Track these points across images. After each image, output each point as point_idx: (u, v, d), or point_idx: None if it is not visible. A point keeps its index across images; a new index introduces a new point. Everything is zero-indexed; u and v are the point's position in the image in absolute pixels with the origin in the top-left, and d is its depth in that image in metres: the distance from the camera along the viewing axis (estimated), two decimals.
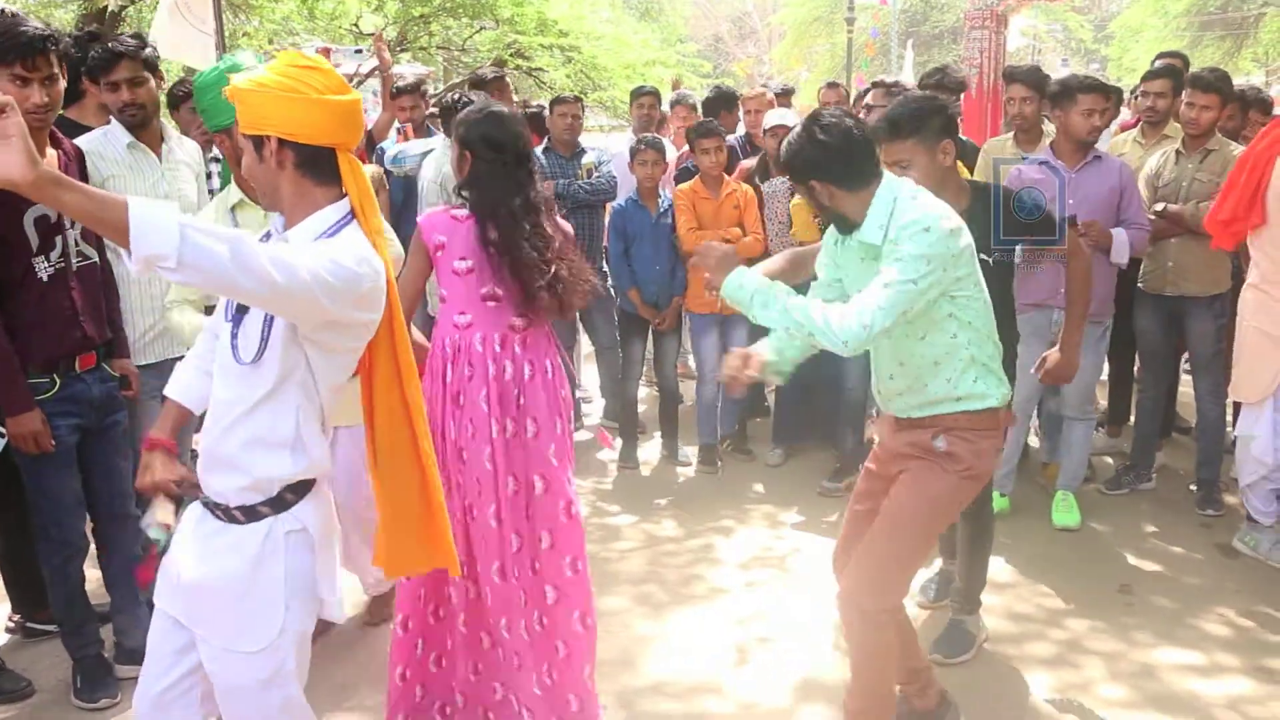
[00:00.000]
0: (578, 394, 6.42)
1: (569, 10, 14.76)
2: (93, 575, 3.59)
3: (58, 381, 3.23)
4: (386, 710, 3.25)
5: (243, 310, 2.18)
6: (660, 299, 5.58)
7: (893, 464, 3.02)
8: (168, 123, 4.28)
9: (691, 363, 6.36)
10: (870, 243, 2.78)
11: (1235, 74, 15.55)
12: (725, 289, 2.78)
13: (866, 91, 6.14)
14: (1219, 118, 4.83)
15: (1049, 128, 5.10)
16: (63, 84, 3.17)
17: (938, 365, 2.87)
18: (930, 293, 2.70)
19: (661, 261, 5.53)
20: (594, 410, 6.78)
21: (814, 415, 5.74)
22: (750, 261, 4.96)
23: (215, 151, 4.66)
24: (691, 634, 3.93)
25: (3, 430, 3.33)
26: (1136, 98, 6.27)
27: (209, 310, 3.27)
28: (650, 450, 5.97)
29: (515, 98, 5.87)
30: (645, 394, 6.69)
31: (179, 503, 2.39)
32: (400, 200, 5.68)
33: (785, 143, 2.90)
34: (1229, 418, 5.21)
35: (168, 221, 1.80)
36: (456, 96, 5.07)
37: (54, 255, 3.21)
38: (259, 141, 2.16)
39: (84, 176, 3.37)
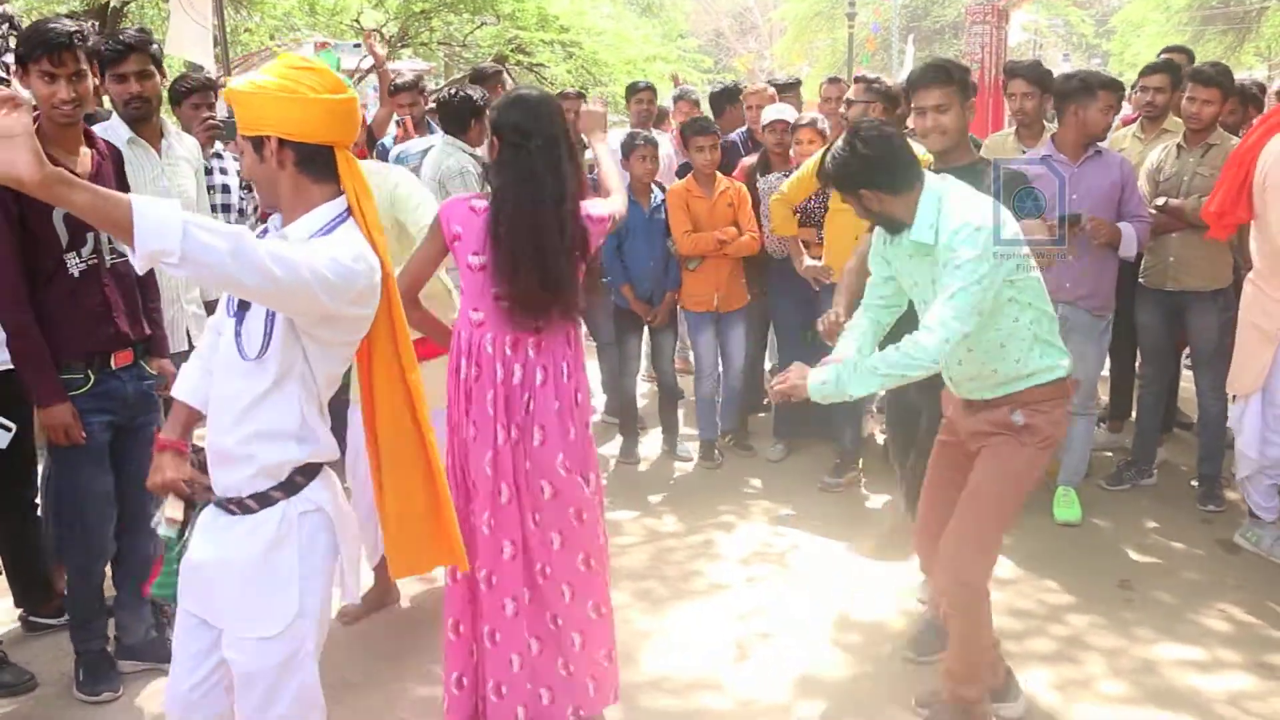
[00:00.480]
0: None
1: (570, 6, 14.76)
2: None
3: (92, 377, 3.24)
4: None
5: (244, 307, 2.22)
6: (654, 294, 5.57)
7: (971, 442, 3.16)
8: (168, 119, 4.27)
9: (691, 358, 6.35)
10: (922, 241, 2.93)
11: (1237, 68, 15.53)
12: (815, 395, 2.97)
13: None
14: (1220, 112, 4.82)
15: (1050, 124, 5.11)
16: (91, 81, 3.17)
17: (1004, 348, 3.00)
18: (994, 287, 2.86)
19: (655, 257, 5.52)
20: (596, 405, 6.78)
21: (814, 410, 5.72)
22: (751, 262, 4.96)
23: (216, 148, 4.66)
24: (691, 629, 3.93)
25: (10, 425, 3.35)
26: (1136, 93, 6.26)
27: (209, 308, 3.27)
28: (650, 445, 5.97)
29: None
30: (645, 389, 6.69)
31: (190, 504, 2.41)
32: None
33: (830, 157, 3.04)
34: (1230, 413, 5.20)
35: (170, 218, 1.84)
36: (454, 91, 5.05)
37: (85, 252, 3.22)
38: (258, 142, 2.19)
39: (120, 174, 3.38)
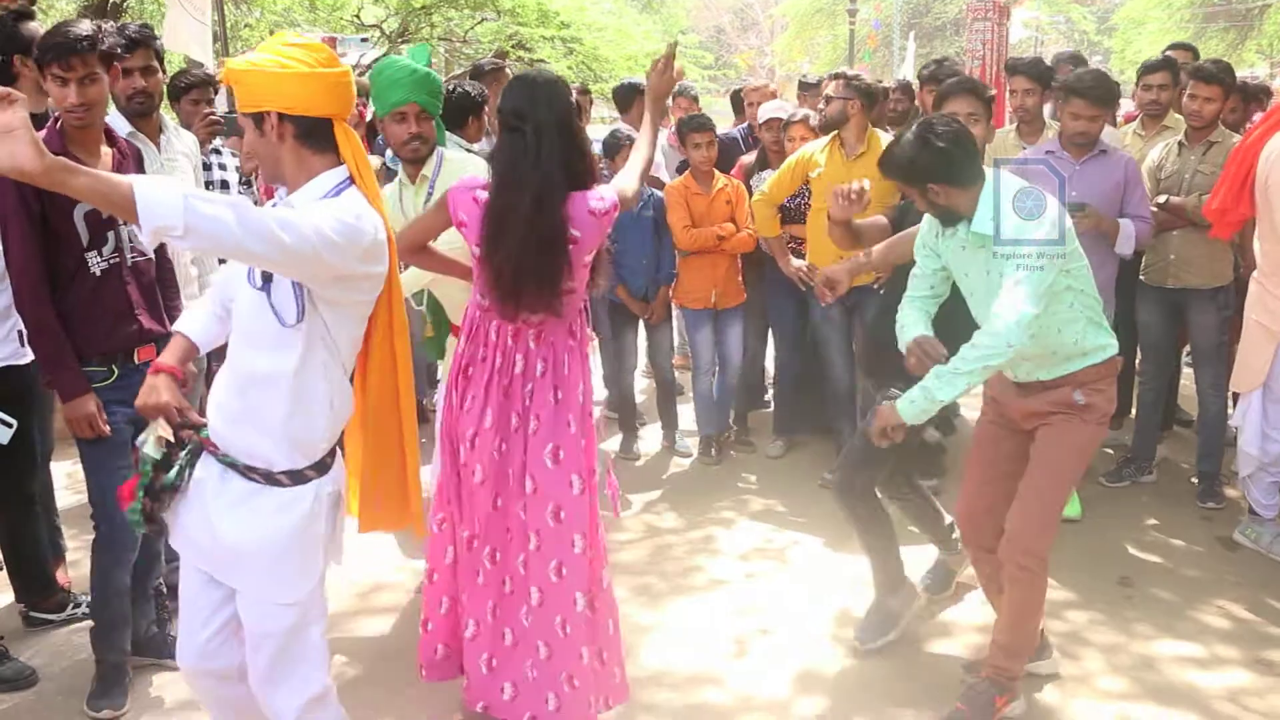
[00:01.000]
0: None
1: (570, 1, 14.73)
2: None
3: (115, 371, 3.26)
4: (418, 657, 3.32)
5: (268, 278, 2.29)
6: (648, 291, 5.57)
7: (1026, 422, 3.28)
8: (167, 114, 4.28)
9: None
10: (982, 233, 3.05)
11: (1239, 66, 15.51)
12: (909, 417, 3.07)
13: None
14: (1222, 110, 4.82)
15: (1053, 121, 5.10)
16: (105, 84, 3.19)
17: (1061, 332, 3.13)
18: (1055, 271, 3.00)
19: (645, 254, 5.52)
20: (598, 399, 6.78)
21: (813, 406, 5.75)
22: (749, 259, 4.94)
23: (215, 143, 4.66)
24: (690, 625, 3.94)
25: (11, 421, 3.36)
26: (1139, 90, 6.25)
27: None
28: (650, 441, 5.97)
29: None
30: (644, 385, 6.69)
31: (177, 429, 2.46)
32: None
33: (899, 151, 3.11)
34: (1230, 410, 5.21)
35: (170, 194, 1.95)
36: (452, 88, 5.05)
37: (107, 250, 3.23)
38: (259, 118, 2.28)
39: (140, 171, 3.40)
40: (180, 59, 9.34)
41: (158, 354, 3.30)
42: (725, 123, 7.54)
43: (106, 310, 3.24)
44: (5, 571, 3.95)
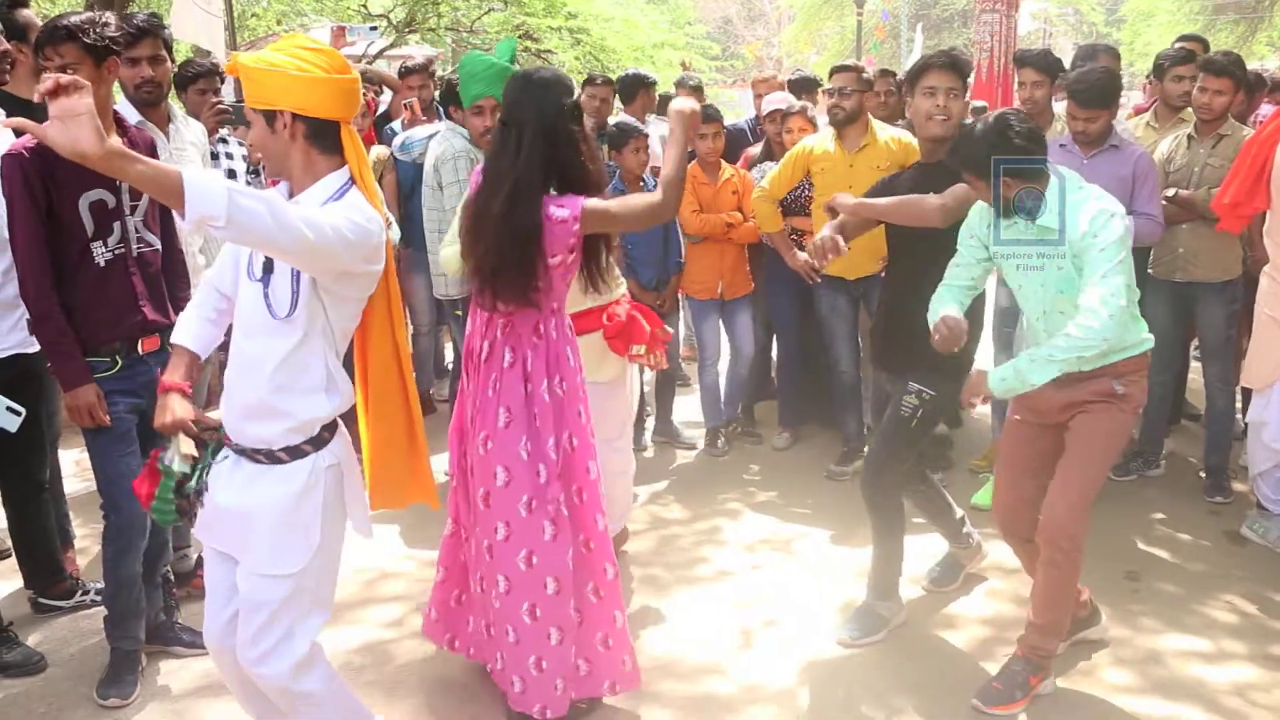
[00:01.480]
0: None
1: None
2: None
3: (119, 361, 3.27)
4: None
5: (269, 270, 2.44)
6: (657, 281, 5.56)
7: (1061, 414, 3.32)
8: (174, 104, 4.28)
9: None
10: (1048, 226, 3.15)
11: (1249, 58, 15.40)
12: (997, 389, 3.18)
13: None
14: (1232, 103, 4.80)
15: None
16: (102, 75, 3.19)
17: (1121, 331, 3.13)
18: (1130, 264, 3.09)
19: (653, 245, 5.51)
20: None
21: (818, 398, 5.74)
22: (755, 250, 4.90)
23: (221, 132, 4.66)
24: (696, 616, 3.94)
25: (20, 409, 3.37)
26: (1150, 82, 6.21)
27: None
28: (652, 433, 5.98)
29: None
30: (649, 376, 6.67)
31: (202, 444, 2.59)
32: (410, 185, 5.66)
33: (976, 141, 3.12)
34: (1239, 405, 5.20)
35: (216, 186, 2.07)
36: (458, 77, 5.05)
37: (112, 241, 3.24)
38: (271, 115, 2.40)
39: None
40: (188, 48, 9.35)
41: (162, 345, 3.36)
42: (733, 114, 7.52)
43: (111, 300, 3.25)
44: (14, 558, 3.96)
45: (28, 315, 3.31)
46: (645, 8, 18.03)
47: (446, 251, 3.72)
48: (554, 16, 14.29)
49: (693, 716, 3.33)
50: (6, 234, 3.23)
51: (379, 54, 14.40)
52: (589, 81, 6.02)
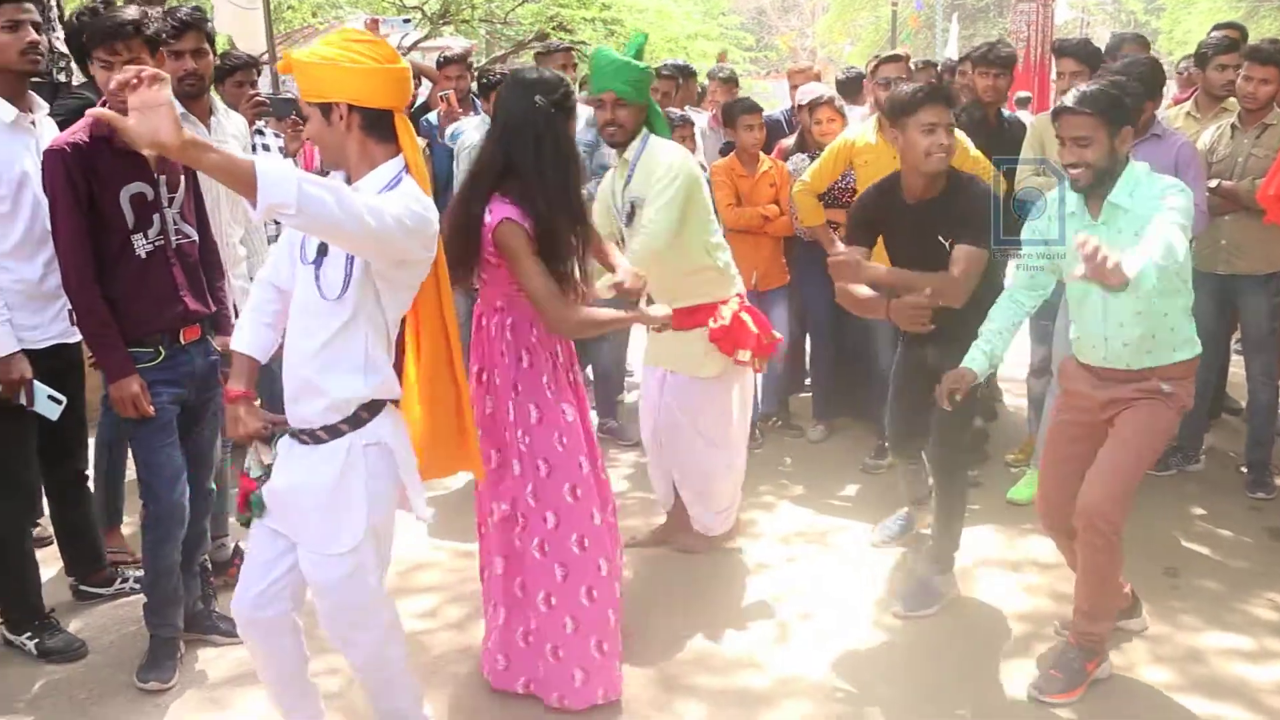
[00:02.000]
0: (626, 378, 6.45)
1: None
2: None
3: (161, 352, 3.30)
4: None
5: (322, 254, 2.51)
6: None
7: (1107, 410, 3.32)
8: (215, 96, 4.31)
9: None
10: (1118, 205, 3.18)
11: None
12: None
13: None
14: (1278, 91, 4.71)
15: None
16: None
17: (1167, 316, 3.23)
18: (1187, 239, 3.04)
19: None
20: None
21: (853, 390, 5.71)
22: (790, 242, 4.89)
23: (258, 124, 4.70)
24: (732, 608, 3.93)
25: (61, 398, 3.41)
26: (1185, 72, 6.12)
27: None
28: None
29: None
30: None
31: (270, 442, 2.69)
32: (446, 176, 5.67)
33: (1115, 87, 3.20)
34: None
35: (288, 176, 2.13)
36: (497, 74, 5.08)
37: (152, 233, 3.27)
38: (326, 108, 2.46)
39: None
40: (224, 41, 9.42)
41: (202, 334, 3.39)
42: (768, 105, 7.47)
43: (152, 292, 3.27)
44: (56, 545, 4.01)
45: (69, 306, 3.35)
46: None
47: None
48: (588, 7, 14.31)
49: (728, 710, 3.32)
50: (47, 227, 3.26)
51: (413, 46, 14.45)
52: (657, 73, 6.05)
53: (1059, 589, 4.01)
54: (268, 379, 3.65)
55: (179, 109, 3.75)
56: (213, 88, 4.48)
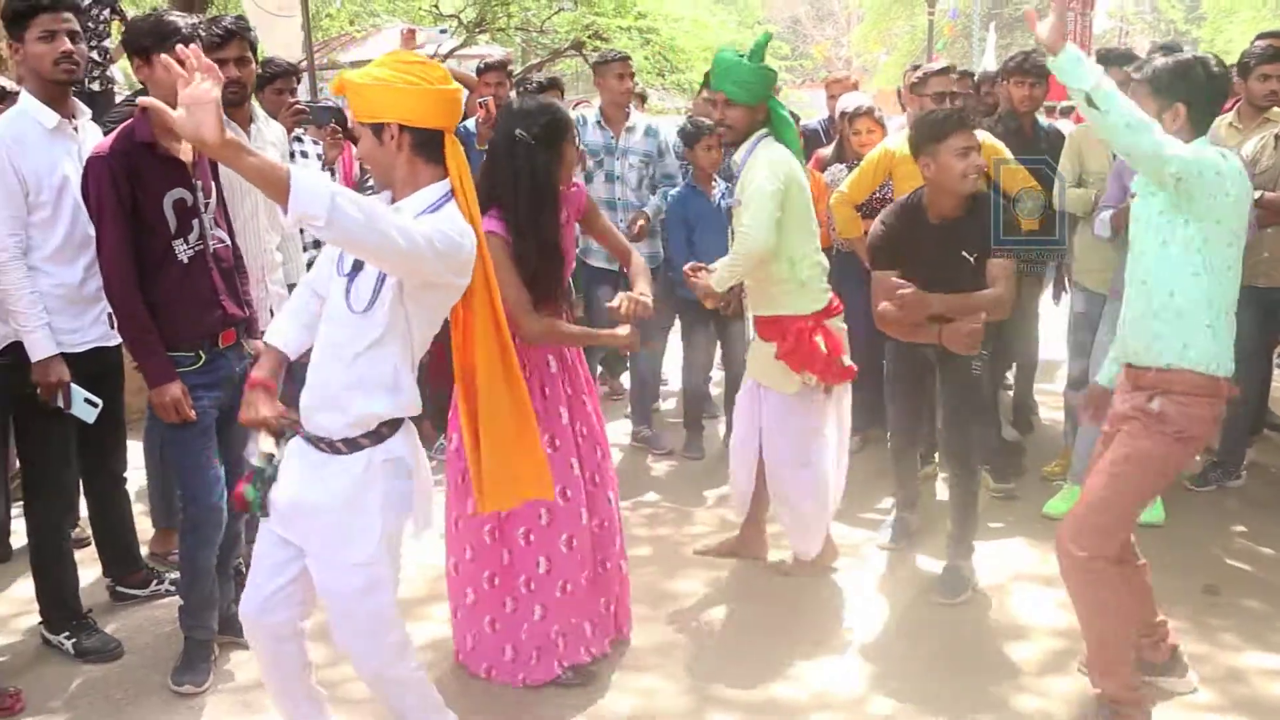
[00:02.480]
0: (662, 387, 6.46)
1: None
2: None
3: (202, 357, 3.33)
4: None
5: (357, 268, 2.53)
6: None
7: (1114, 424, 3.21)
8: (255, 104, 4.35)
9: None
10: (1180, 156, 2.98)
11: None
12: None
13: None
14: None
15: None
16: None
17: (1174, 295, 2.99)
18: (1214, 202, 2.92)
19: (725, 246, 5.46)
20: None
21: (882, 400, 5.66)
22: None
23: (297, 132, 4.73)
24: (765, 620, 3.91)
25: (97, 401, 3.44)
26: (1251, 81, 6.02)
27: None
28: (716, 436, 5.94)
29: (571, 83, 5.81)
30: (716, 377, 6.65)
31: (279, 436, 2.67)
32: None
33: (1179, 62, 3.07)
34: None
35: (322, 188, 2.17)
36: (540, 80, 5.12)
37: (192, 238, 3.31)
38: (378, 128, 2.49)
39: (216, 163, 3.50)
40: (264, 49, 9.52)
41: (237, 339, 3.41)
42: (804, 115, 7.45)
43: (193, 297, 3.31)
44: (94, 546, 4.05)
45: (109, 310, 3.38)
46: (714, 8, 18.02)
47: None
48: (623, 16, 14.31)
49: None
50: (88, 231, 3.29)
51: (449, 54, 14.53)
52: (706, 83, 6.11)
53: None
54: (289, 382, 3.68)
55: None
56: (254, 95, 4.53)
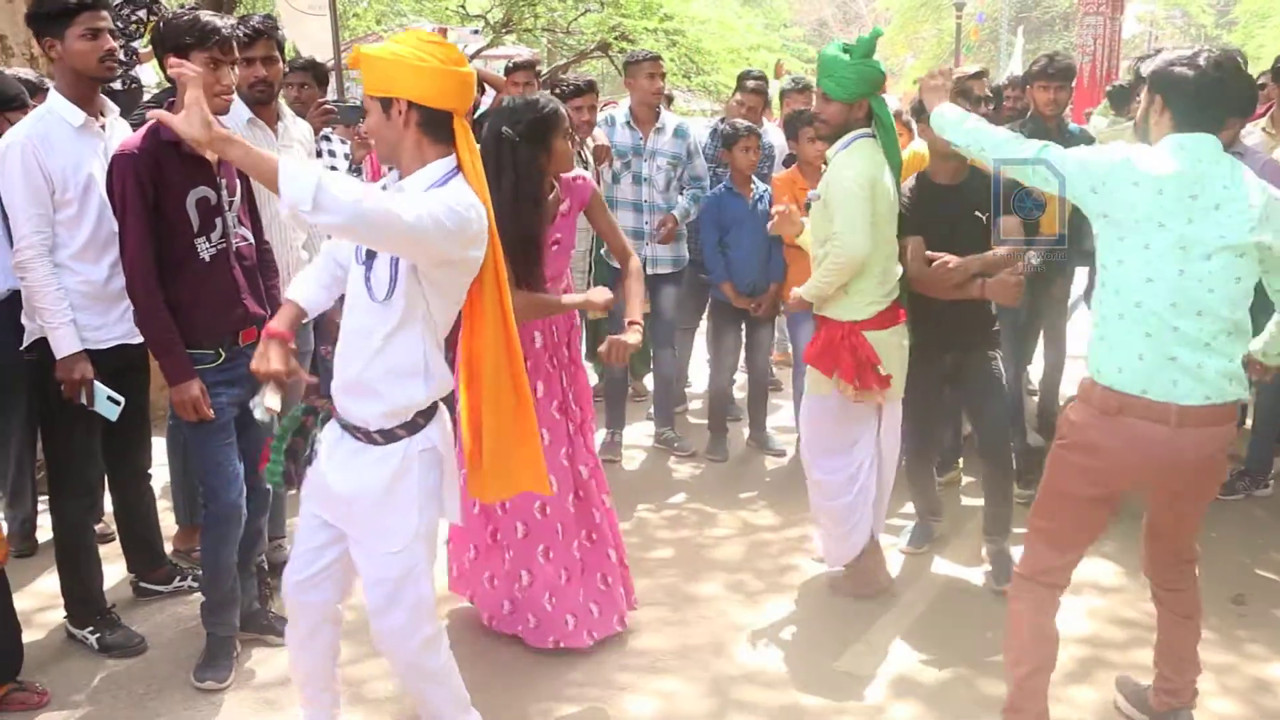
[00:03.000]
0: (687, 389, 6.45)
1: None
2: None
3: (222, 354, 3.35)
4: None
5: (372, 255, 2.54)
6: (756, 286, 5.51)
7: None
8: (283, 102, 4.37)
9: (791, 350, 6.28)
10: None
11: None
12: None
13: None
14: None
15: None
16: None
17: (1103, 294, 2.83)
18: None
19: (758, 250, 5.46)
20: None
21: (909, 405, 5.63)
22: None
23: (324, 130, 4.75)
24: (786, 624, 3.90)
25: (119, 398, 3.46)
26: (1261, 88, 5.96)
27: None
28: (740, 439, 5.93)
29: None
30: (740, 380, 6.64)
31: (313, 412, 2.74)
32: None
33: (1237, 71, 2.91)
34: None
35: (308, 175, 2.21)
36: (578, 83, 5.17)
37: (214, 236, 3.32)
38: (387, 102, 2.49)
39: None
40: (291, 48, 9.58)
41: (257, 337, 3.41)
42: None
43: (215, 295, 3.32)
44: (119, 542, 4.08)
45: (133, 309, 3.40)
46: (740, 10, 17.99)
47: None
48: (649, 18, 14.30)
49: None
50: (113, 229, 3.31)
51: (475, 54, 14.57)
52: (740, 85, 6.10)
53: (1120, 614, 3.93)
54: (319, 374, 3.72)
55: (247, 114, 3.88)
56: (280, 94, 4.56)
